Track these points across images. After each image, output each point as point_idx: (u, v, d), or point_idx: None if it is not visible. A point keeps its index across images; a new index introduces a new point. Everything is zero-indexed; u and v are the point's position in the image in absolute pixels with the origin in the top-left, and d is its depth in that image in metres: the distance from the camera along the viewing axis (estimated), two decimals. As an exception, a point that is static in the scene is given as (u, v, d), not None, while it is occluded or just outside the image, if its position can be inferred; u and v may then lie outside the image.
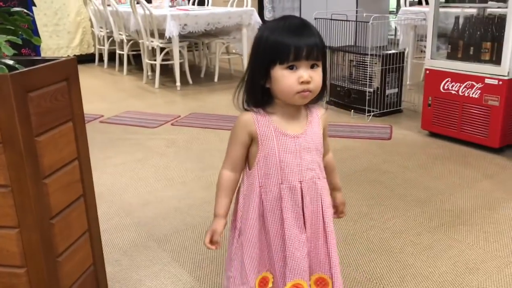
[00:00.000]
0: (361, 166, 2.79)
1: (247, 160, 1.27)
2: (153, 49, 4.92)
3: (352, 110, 3.81)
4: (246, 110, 1.21)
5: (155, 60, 4.90)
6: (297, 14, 7.51)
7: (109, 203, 2.38)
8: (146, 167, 2.85)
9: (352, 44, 4.03)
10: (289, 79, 1.13)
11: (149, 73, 5.27)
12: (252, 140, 1.22)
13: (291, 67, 1.12)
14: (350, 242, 1.98)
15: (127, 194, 2.49)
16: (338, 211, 1.41)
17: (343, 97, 3.95)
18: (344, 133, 3.36)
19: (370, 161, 2.86)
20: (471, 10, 3.08)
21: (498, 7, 2.86)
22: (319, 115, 1.26)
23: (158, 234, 2.09)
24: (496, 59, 2.83)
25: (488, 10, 3.00)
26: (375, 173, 2.68)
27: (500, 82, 2.77)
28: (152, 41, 4.82)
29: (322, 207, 1.25)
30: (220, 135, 3.41)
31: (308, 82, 1.13)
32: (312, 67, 1.14)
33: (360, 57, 3.81)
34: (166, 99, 4.54)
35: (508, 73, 2.74)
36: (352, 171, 2.71)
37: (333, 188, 1.37)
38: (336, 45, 3.99)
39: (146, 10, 4.63)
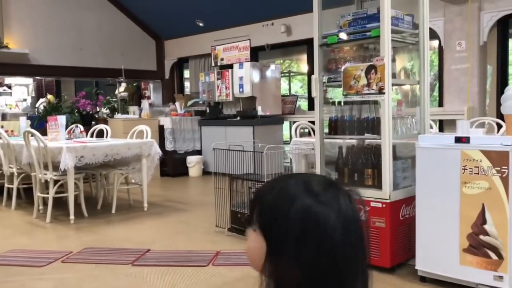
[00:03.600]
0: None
1: None
2: (46, 182, 4.71)
3: (253, 237, 3.84)
4: None
5: (47, 193, 4.67)
6: (198, 145, 7.78)
7: None
8: (29, 313, 2.55)
9: (251, 171, 4.21)
10: None
11: (41, 207, 4.97)
12: None
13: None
14: None
15: None
16: None
17: (244, 223, 3.99)
18: (246, 261, 3.33)
19: (272, 288, 2.83)
20: (351, 140, 3.42)
21: (374, 138, 3.22)
22: None
23: None
24: (377, 184, 3.10)
25: (366, 141, 3.35)
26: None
27: (384, 205, 3.00)
28: (45, 174, 4.63)
29: None
30: (115, 270, 3.21)
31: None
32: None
33: (257, 184, 3.96)
34: (57, 234, 4.26)
35: (389, 196, 2.99)
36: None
37: None
38: (235, 173, 4.13)
39: (41, 143, 4.52)
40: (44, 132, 5.15)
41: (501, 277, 2.50)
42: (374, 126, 3.19)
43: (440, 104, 5.90)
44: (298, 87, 9.35)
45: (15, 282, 3.02)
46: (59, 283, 2.99)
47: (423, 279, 2.83)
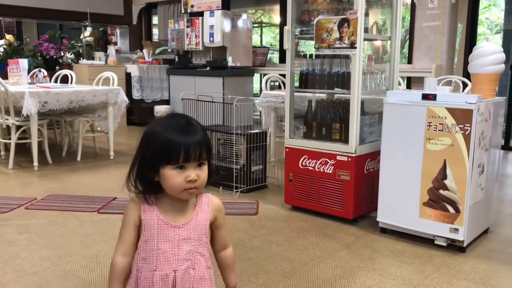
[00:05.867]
0: (229, 243, 2.80)
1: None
2: (8, 127, 4.57)
3: (221, 187, 3.88)
4: (137, 193, 1.25)
5: (10, 139, 4.54)
6: (166, 94, 7.65)
7: None
8: (-8, 258, 2.53)
9: (221, 123, 4.19)
10: (177, 178, 1.19)
11: (3, 152, 4.84)
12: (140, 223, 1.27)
13: (180, 167, 1.19)
14: (218, 324, 1.93)
15: (-35, 291, 2.17)
16: None
17: (212, 174, 4.00)
18: (212, 211, 3.38)
19: (238, 237, 2.89)
20: (321, 95, 3.43)
21: (343, 93, 3.23)
22: (211, 205, 1.32)
23: (2, 335, 1.83)
24: (344, 138, 3.15)
25: (336, 95, 3.36)
26: (243, 249, 2.71)
27: (349, 159, 3.06)
28: (7, 119, 4.48)
29: None
30: (80, 217, 3.20)
31: (195, 181, 1.20)
32: (199, 165, 1.22)
33: (226, 136, 3.96)
34: (21, 180, 4.18)
35: (355, 150, 3.05)
36: (220, 249, 2.70)
37: (226, 286, 1.42)
38: (204, 124, 4.10)
39: (1, 87, 4.34)
40: (4, 76, 4.94)
41: (456, 230, 2.63)
42: (344, 80, 3.20)
43: (409, 61, 5.94)
44: (270, 37, 9.22)
45: (-23, 228, 2.97)
46: (23, 229, 2.96)
47: (384, 231, 2.95)
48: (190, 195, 1.24)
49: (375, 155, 3.14)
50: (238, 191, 3.79)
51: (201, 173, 1.22)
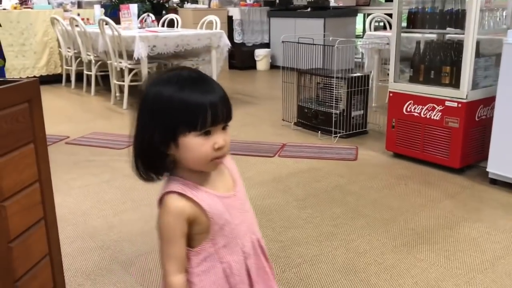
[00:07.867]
0: (327, 186, 2.83)
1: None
2: (122, 70, 4.90)
3: (319, 131, 3.87)
4: (171, 190, 1.01)
5: (123, 81, 4.88)
6: (266, 38, 7.63)
7: (73, 226, 2.34)
8: (112, 189, 2.81)
9: (320, 67, 4.12)
10: (204, 147, 0.96)
11: (117, 94, 5.23)
12: (193, 222, 1.01)
13: (206, 133, 0.96)
14: (314, 263, 2.00)
15: (91, 217, 2.45)
16: None
17: (311, 118, 4.01)
18: (311, 154, 3.41)
19: (336, 181, 2.91)
20: (431, 35, 3.20)
21: (456, 33, 2.99)
22: (232, 166, 1.11)
23: (122, 257, 2.06)
24: (455, 83, 2.95)
25: (447, 36, 3.13)
26: (341, 193, 2.72)
27: (459, 105, 2.87)
28: (120, 62, 4.80)
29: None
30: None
31: (222, 147, 0.98)
32: (223, 128, 1.00)
33: (326, 79, 3.89)
34: (134, 120, 4.50)
35: (467, 96, 2.85)
36: (318, 192, 2.74)
37: None
38: (303, 68, 4.07)
39: (115, 31, 4.62)
40: (117, 21, 5.24)
41: None
42: (458, 19, 2.95)
43: (536, -4, 5.28)
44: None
45: (98, 161, 3.30)
46: (137, 164, 3.23)
47: (494, 182, 2.77)
48: (217, 166, 1.01)
49: (489, 101, 2.91)
50: (337, 136, 3.76)
51: (227, 138, 0.99)
